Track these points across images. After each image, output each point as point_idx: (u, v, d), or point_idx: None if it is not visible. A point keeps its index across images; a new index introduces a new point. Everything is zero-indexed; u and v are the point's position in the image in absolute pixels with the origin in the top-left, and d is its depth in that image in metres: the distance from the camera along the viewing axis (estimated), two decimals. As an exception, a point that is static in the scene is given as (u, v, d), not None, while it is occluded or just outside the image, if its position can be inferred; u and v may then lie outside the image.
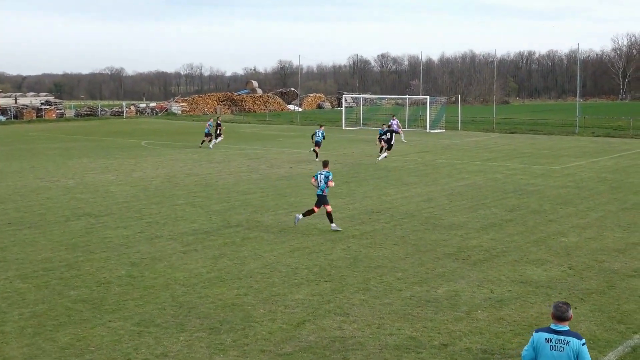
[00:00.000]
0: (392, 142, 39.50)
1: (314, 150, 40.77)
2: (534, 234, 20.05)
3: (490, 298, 14.03)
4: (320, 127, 42.15)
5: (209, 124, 47.55)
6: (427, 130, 64.91)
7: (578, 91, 72.75)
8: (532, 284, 14.98)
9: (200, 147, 46.97)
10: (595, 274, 15.87)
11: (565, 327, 7.91)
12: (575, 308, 13.37)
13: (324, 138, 41.32)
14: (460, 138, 56.71)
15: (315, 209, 20.60)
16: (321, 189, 20.40)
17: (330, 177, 20.48)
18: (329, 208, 20.44)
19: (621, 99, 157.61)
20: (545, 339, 7.89)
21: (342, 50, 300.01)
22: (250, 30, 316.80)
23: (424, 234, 19.91)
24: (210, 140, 46.84)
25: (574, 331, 8.04)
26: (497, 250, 18.10)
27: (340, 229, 20.26)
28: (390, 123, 51.40)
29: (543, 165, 37.07)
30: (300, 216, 20.68)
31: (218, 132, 47.29)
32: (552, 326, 7.95)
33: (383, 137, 39.67)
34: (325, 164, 20.93)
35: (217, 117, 50.47)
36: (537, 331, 8.04)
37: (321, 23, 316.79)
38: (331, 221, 20.40)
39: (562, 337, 7.82)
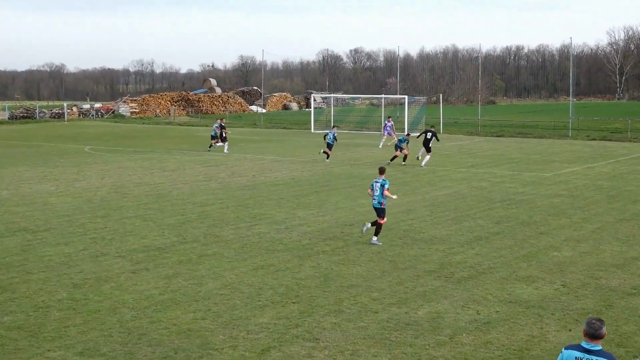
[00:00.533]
0: (429, 145, 40.23)
1: (324, 152, 42.86)
2: (524, 248, 20.20)
3: (476, 320, 14.09)
4: (333, 128, 45.67)
5: (216, 126, 49.56)
6: (405, 133, 65.11)
7: (571, 90, 73.64)
8: (522, 304, 15.08)
9: (209, 150, 48.55)
10: (591, 292, 16.02)
11: (598, 346, 7.88)
12: (570, 330, 13.48)
13: (335, 140, 43.60)
14: (442, 142, 57.02)
15: (381, 221, 20.57)
16: (379, 201, 20.52)
17: (387, 186, 20.53)
18: (382, 221, 20.56)
19: (618, 99, 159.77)
20: (576, 357, 7.88)
21: (310, 44, 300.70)
22: (207, 22, 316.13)
23: (403, 249, 19.96)
24: (216, 143, 48.69)
25: (607, 351, 8.00)
26: (483, 266, 18.20)
27: (379, 243, 20.37)
28: (384, 124, 53.63)
29: (533, 172, 37.41)
30: (369, 225, 20.69)
31: (224, 135, 48.94)
32: (584, 344, 7.92)
33: (402, 144, 40.24)
34: (381, 171, 21.01)
35: (222, 119, 51.75)
36: (566, 348, 8.04)
37: (287, 14, 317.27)
38: (376, 234, 20.52)
39: (594, 358, 7.79)
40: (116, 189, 31.01)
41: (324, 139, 43.91)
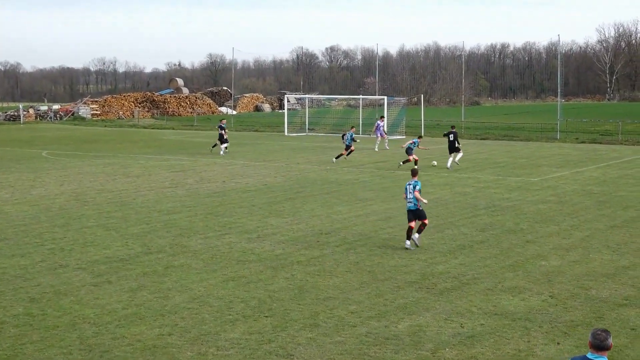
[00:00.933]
0: (457, 145, 41.80)
1: (341, 154, 45.03)
2: (510, 257, 20.32)
3: (460, 333, 14.15)
4: (352, 129, 47.20)
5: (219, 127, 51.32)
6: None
7: (559, 90, 74.26)
8: (508, 316, 15.16)
9: (211, 151, 50.58)
10: (580, 303, 16.14)
11: (604, 357, 8.09)
12: (558, 344, 13.58)
13: (353, 140, 45.59)
14: (423, 144, 57.22)
15: (412, 225, 21.28)
16: (414, 204, 21.22)
17: (418, 187, 21.25)
18: (426, 221, 21.43)
19: (608, 99, 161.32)
20: None
21: (284, 42, 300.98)
22: (173, 17, 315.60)
23: (382, 259, 20.02)
24: (220, 144, 50.01)
25: None
26: (467, 277, 18.28)
27: (413, 247, 21.04)
28: (377, 124, 54.94)
29: (520, 176, 37.66)
30: (409, 241, 21.17)
31: (224, 137, 50.13)
32: (590, 355, 8.11)
33: (412, 147, 41.35)
34: (414, 173, 21.99)
35: (223, 120, 52.86)
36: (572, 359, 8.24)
37: (259, 10, 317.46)
38: (408, 238, 21.17)
39: None
40: (76, 197, 30.84)
41: (342, 140, 46.17)
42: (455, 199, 30.19)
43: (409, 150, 41.45)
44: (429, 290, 17.04)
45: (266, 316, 15.13)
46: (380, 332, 14.17)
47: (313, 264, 19.52)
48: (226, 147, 49.69)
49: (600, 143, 59.84)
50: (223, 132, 49.74)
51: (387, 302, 16.16)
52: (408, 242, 21.19)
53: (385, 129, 56.49)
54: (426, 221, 21.44)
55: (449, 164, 41.28)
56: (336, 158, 44.76)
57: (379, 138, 54.52)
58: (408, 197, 21.38)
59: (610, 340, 8.15)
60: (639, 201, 29.61)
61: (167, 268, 19.03)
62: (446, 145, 42.68)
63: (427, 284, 17.61)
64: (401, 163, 41.60)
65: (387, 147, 54.35)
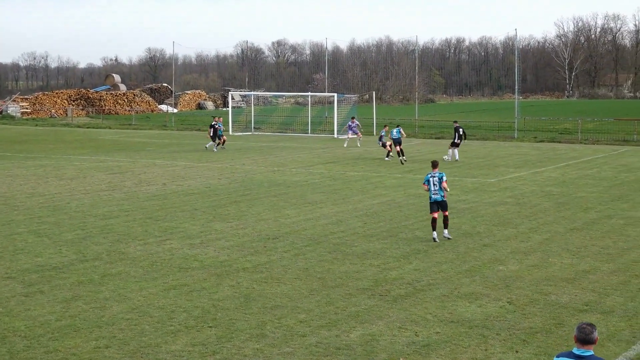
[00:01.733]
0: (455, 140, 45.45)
1: (389, 152, 46.65)
2: (466, 262, 20.51)
3: (415, 342, 14.25)
4: (385, 128, 48.97)
5: (219, 125, 53.74)
6: (335, 135, 65.62)
7: (516, 87, 75.04)
8: (465, 324, 15.30)
9: (223, 147, 53.11)
10: (539, 309, 16.35)
11: (589, 351, 8.34)
12: (517, 352, 13.74)
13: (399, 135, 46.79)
14: (375, 145, 57.52)
15: (435, 215, 22.99)
16: (441, 195, 23.07)
17: (445, 178, 23.35)
18: (447, 213, 23.37)
19: (568, 97, 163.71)
20: None
21: (227, 36, 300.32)
22: (110, 10, 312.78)
23: (333, 265, 20.07)
24: (219, 141, 53.03)
25: (600, 357, 8.52)
26: (421, 283, 18.41)
27: (439, 240, 22.75)
28: (348, 124, 57.89)
29: (476, 177, 38.01)
30: (436, 232, 22.93)
31: (219, 133, 53.01)
32: (575, 351, 8.37)
33: (384, 139, 46.13)
34: (435, 165, 24.00)
35: (219, 117, 56.24)
36: (558, 356, 8.51)
37: (201, 1, 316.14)
38: (434, 229, 22.96)
39: None
40: (5, 200, 30.45)
41: (380, 141, 47.90)
42: (409, 202, 30.38)
43: (381, 143, 46.90)
44: (382, 298, 17.12)
45: (210, 326, 15.09)
46: (331, 342, 14.20)
47: (260, 270, 19.50)
48: (217, 145, 53.06)
49: (560, 142, 60.68)
50: (217, 129, 52.86)
51: (338, 310, 16.20)
52: (435, 234, 22.89)
53: (360, 128, 59.33)
54: (447, 213, 23.34)
55: (457, 156, 46.14)
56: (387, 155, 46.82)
57: (350, 135, 57.41)
58: (433, 188, 23.10)
59: (596, 334, 8.39)
60: (599, 202, 30.08)
61: (104, 276, 18.86)
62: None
63: (380, 290, 17.69)
64: (389, 157, 45.99)
65: (359, 145, 57.10)
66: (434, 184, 23.11)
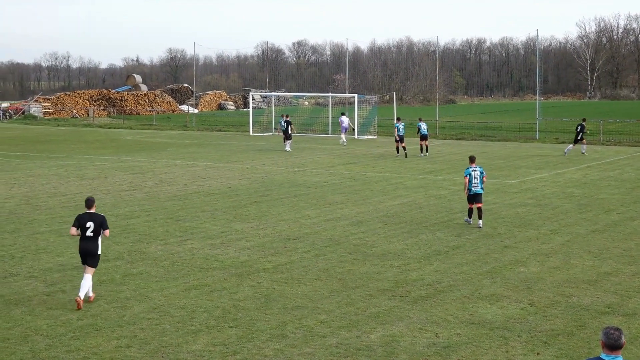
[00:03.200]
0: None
1: (403, 148, 48.75)
2: (487, 263, 20.45)
3: (435, 344, 14.22)
4: (398, 121, 51.03)
5: (281, 122, 55.00)
6: (356, 136, 65.56)
7: (538, 88, 74.72)
8: (486, 325, 15.26)
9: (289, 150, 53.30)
10: (561, 311, 16.28)
11: (619, 357, 8.23)
12: (538, 354, 13.69)
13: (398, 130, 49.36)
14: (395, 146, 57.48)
15: (472, 206, 25.49)
16: (481, 187, 25.40)
17: (485, 173, 25.83)
18: (481, 205, 25.47)
19: (589, 98, 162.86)
20: None
21: (248, 36, 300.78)
22: (131, 10, 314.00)
23: (353, 266, 20.06)
24: (285, 140, 53.36)
25: None
26: (442, 284, 18.37)
27: (482, 227, 24.86)
28: (340, 120, 59.16)
29: (497, 178, 37.89)
30: (476, 221, 25.31)
31: (289, 132, 53.46)
32: (604, 356, 8.24)
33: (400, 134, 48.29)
34: (472, 159, 26.17)
35: (286, 115, 56.01)
36: None
37: (222, 2, 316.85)
38: (469, 216, 25.61)
39: None
40: (27, 200, 30.60)
41: (397, 134, 49.31)
42: (430, 202, 30.32)
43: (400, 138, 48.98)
44: (402, 299, 17.10)
45: (231, 327, 15.11)
46: (351, 343, 14.19)
47: (280, 271, 19.52)
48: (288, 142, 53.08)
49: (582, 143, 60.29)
50: (289, 127, 53.01)
51: (359, 311, 16.19)
52: (471, 219, 25.57)
53: (346, 125, 59.72)
54: (482, 205, 25.43)
55: (583, 150, 50.24)
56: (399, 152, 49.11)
57: (344, 133, 57.95)
58: (474, 181, 25.27)
59: (624, 339, 8.29)
60: (621, 204, 29.92)
61: (125, 276, 18.93)
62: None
63: (401, 291, 17.67)
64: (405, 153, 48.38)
65: (345, 144, 58.09)
66: (475, 177, 25.30)
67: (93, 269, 16.79)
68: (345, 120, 61.20)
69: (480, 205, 25.33)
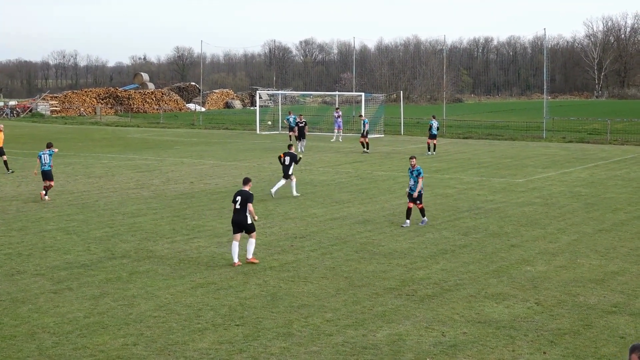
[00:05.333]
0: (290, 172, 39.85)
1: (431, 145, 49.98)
2: (494, 262, 20.44)
3: (442, 342, 14.22)
4: (432, 118, 51.84)
5: (287, 119, 56.29)
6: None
7: (545, 87, 74.55)
8: (492, 324, 15.25)
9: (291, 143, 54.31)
10: (567, 310, 16.27)
11: None
12: (545, 353, 13.68)
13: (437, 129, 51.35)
14: (403, 144, 57.48)
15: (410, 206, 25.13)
16: (413, 189, 25.26)
17: (422, 174, 25.73)
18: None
19: (597, 97, 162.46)
20: None
21: (255, 35, 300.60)
22: (138, 8, 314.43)
23: (359, 264, 20.06)
24: (296, 139, 52.04)
25: None
26: (449, 283, 18.37)
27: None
28: (333, 115, 59.46)
29: (504, 177, 37.85)
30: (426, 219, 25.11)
31: (304, 132, 52.56)
32: None
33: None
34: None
35: (300, 115, 55.46)
36: None
37: (229, 0, 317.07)
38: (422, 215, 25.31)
39: None
40: (34, 198, 30.66)
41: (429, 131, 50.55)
42: (436, 201, 30.30)
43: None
44: (409, 297, 17.10)
45: (237, 325, 15.13)
46: (357, 342, 14.20)
47: (287, 269, 19.53)
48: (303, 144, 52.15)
49: (588, 142, 60.22)
50: (303, 127, 52.52)
51: (365, 309, 16.20)
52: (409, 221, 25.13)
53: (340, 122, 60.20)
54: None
55: None
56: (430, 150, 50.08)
57: (337, 130, 59.26)
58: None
59: None
60: (628, 203, 29.88)
61: (132, 274, 18.97)
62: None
63: (407, 290, 17.67)
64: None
65: (340, 140, 59.50)
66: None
67: (254, 233, 20.19)
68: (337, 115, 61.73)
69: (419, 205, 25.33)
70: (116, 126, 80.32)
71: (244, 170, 40.34)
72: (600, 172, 40.14)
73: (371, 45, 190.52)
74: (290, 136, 58.50)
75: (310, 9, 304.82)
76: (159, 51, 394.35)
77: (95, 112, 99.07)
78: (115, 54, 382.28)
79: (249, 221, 19.87)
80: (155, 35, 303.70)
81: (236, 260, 19.74)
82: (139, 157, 47.45)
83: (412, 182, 25.46)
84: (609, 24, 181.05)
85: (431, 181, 36.06)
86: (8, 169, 38.52)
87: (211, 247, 21.90)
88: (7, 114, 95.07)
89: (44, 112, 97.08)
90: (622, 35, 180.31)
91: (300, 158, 32.30)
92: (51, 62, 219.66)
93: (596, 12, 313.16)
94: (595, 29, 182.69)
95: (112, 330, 14.79)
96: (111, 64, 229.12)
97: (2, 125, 41.85)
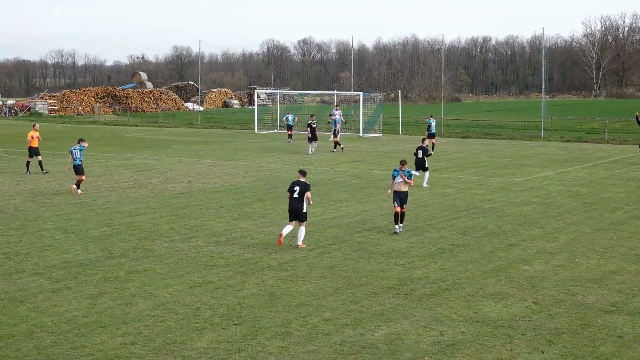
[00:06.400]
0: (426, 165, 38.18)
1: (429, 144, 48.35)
2: (492, 261, 20.45)
3: (440, 342, 14.22)
4: (431, 117, 52.10)
5: (286, 117, 57.63)
6: (361, 134, 65.56)
7: (543, 86, 74.59)
8: (490, 324, 15.26)
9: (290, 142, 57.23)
10: (565, 309, 16.28)
11: None
12: (543, 352, 13.68)
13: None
14: (401, 144, 57.46)
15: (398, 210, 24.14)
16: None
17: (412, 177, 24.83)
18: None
19: (595, 96, 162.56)
20: None
21: (253, 34, 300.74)
22: (136, 7, 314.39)
23: (358, 264, 20.06)
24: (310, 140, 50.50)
25: None
26: (447, 282, 18.37)
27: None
28: (332, 112, 58.53)
29: (502, 177, 37.87)
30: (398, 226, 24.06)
31: (315, 133, 50.70)
32: None
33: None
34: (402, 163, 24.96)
35: (312, 116, 53.61)
36: None
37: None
38: (401, 221, 24.12)
39: None
40: (32, 197, 30.65)
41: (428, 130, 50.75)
42: (434, 201, 30.31)
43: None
44: (407, 297, 17.11)
45: (235, 324, 15.13)
46: (355, 341, 14.20)
47: (285, 268, 19.53)
48: (314, 146, 50.81)
49: (586, 142, 60.27)
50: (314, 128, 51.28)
51: (363, 309, 16.20)
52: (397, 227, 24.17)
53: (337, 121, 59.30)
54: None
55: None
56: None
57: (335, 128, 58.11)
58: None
59: None
60: (626, 203, 29.89)
61: (130, 273, 18.96)
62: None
63: (405, 289, 17.68)
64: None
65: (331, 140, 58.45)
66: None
67: (305, 222, 22.16)
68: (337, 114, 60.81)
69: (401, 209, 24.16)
70: (114, 125, 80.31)
71: (243, 169, 40.35)
72: (599, 172, 40.16)
73: (369, 44, 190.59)
74: (289, 135, 58.79)
75: (308, 8, 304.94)
76: (157, 50, 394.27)
77: (94, 111, 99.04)
78: (114, 53, 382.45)
79: (304, 210, 21.81)
80: (153, 34, 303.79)
81: (285, 233, 21.90)
82: (137, 156, 47.44)
83: (399, 179, 24.27)
84: (607, 23, 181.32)
85: (430, 180, 36.04)
86: (42, 169, 38.44)
87: (209, 247, 21.90)
88: (5, 113, 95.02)
89: (42, 111, 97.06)
90: (620, 35, 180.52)
91: (431, 154, 36.67)
92: (49, 61, 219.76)
93: (594, 12, 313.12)
94: (593, 29, 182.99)
95: (110, 329, 14.78)
96: (109, 63, 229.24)
97: (38, 125, 41.77)
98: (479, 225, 25.25)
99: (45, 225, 25.09)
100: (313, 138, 50.13)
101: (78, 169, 31.94)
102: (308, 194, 21.81)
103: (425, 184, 33.94)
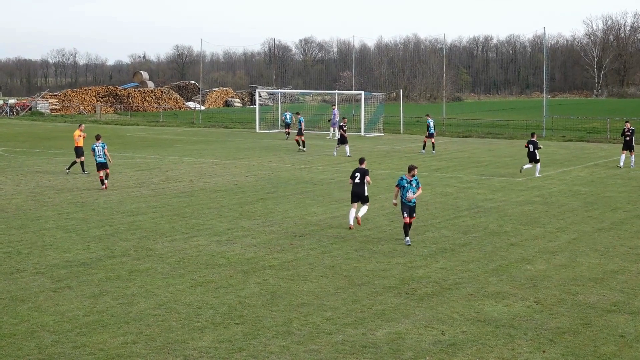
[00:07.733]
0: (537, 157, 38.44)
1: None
2: (494, 261, 20.44)
3: (441, 341, 14.22)
4: (428, 117, 51.38)
5: (284, 115, 58.09)
6: (362, 133, 65.54)
7: (545, 86, 74.57)
8: (492, 323, 15.26)
9: (287, 139, 56.34)
10: (567, 309, 16.27)
11: None
12: (544, 352, 13.68)
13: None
14: (403, 143, 57.47)
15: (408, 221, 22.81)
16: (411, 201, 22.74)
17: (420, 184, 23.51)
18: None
19: (596, 96, 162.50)
20: None
21: (255, 33, 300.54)
22: (138, 7, 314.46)
23: (359, 263, 20.06)
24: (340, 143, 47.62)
25: None
26: (448, 281, 18.37)
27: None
28: (334, 113, 59.90)
29: (503, 176, 37.86)
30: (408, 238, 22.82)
31: (345, 135, 47.52)
32: None
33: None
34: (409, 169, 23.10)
35: (344, 118, 51.29)
36: None
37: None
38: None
39: None
40: (34, 197, 30.66)
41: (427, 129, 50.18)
42: (436, 200, 30.30)
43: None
44: (408, 296, 17.11)
45: (237, 323, 15.13)
46: (357, 340, 14.20)
47: (286, 268, 19.53)
48: (337, 148, 48.27)
49: (588, 141, 60.26)
50: (342, 128, 49.35)
51: (365, 308, 16.20)
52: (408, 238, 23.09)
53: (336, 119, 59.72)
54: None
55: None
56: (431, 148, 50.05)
57: (333, 129, 58.83)
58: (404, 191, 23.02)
59: None
60: (628, 202, 29.88)
61: (132, 272, 18.97)
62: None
63: (407, 289, 17.68)
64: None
65: (331, 137, 59.00)
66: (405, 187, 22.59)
67: (368, 203, 24.74)
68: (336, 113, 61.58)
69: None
70: (115, 125, 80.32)
71: (244, 168, 40.34)
72: (600, 171, 40.15)
73: (371, 43, 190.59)
74: (286, 133, 59.07)
75: (310, 7, 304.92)
76: (159, 50, 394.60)
77: (95, 111, 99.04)
78: (115, 52, 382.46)
79: (366, 193, 24.32)
80: (154, 33, 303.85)
81: (351, 223, 24.34)
82: (139, 155, 47.44)
83: (410, 194, 22.24)
84: (609, 22, 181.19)
85: (431, 180, 36.06)
86: (84, 171, 38.37)
87: (211, 246, 21.91)
88: (6, 113, 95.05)
89: (43, 111, 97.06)
90: (622, 34, 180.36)
91: (540, 147, 38.73)
92: (51, 61, 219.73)
93: (596, 11, 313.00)
94: (595, 28, 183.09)
95: (111, 328, 14.79)
96: (111, 62, 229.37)
97: (83, 126, 41.77)
98: (481, 225, 25.25)
99: (46, 224, 25.10)
100: (343, 141, 47.09)
101: (101, 165, 33.21)
102: (368, 178, 24.34)
103: (537, 174, 37.40)
